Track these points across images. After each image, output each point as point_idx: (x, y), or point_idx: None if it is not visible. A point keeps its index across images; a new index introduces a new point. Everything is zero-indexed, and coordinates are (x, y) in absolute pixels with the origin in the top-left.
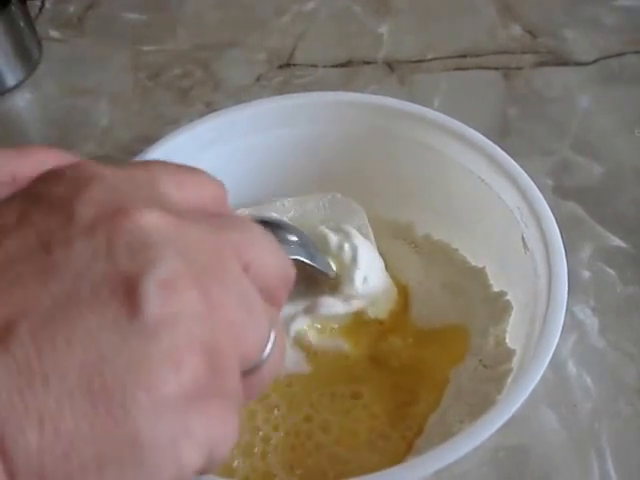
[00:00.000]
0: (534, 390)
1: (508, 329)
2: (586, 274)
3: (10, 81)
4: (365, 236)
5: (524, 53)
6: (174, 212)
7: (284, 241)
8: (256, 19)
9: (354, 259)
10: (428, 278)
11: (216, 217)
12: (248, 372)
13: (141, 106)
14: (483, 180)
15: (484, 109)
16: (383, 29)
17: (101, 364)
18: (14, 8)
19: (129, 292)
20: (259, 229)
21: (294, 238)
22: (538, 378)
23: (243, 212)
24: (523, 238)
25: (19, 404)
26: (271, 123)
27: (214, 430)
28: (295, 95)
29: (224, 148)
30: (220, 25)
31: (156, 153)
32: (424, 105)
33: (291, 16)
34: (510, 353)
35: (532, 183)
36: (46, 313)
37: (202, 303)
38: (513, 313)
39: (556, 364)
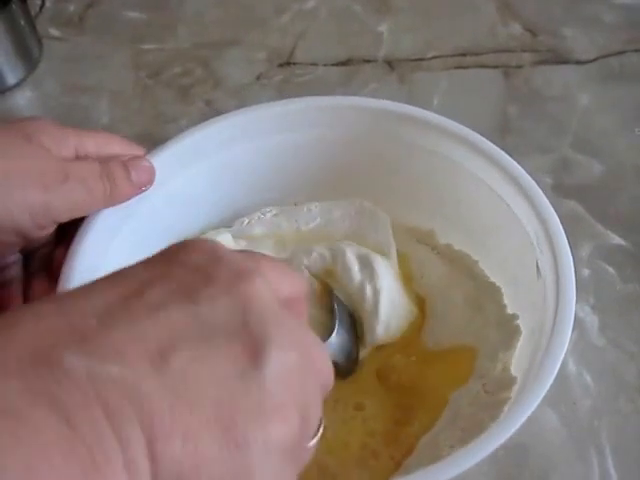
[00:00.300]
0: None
1: (515, 355)
2: (586, 272)
3: (11, 79)
4: (387, 248)
5: (524, 51)
6: (278, 297)
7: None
8: (256, 18)
9: (376, 307)
10: (449, 287)
11: (297, 315)
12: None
13: (141, 104)
14: (504, 200)
15: (484, 107)
16: (383, 28)
17: (232, 402)
18: (15, 7)
19: (256, 352)
20: (315, 336)
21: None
22: (532, 410)
23: (266, 211)
24: (537, 264)
25: (169, 421)
26: (281, 127)
27: (288, 475)
28: (308, 99)
29: (241, 147)
30: (220, 24)
31: (163, 155)
32: (424, 104)
33: (291, 15)
34: (512, 381)
35: (552, 210)
36: (191, 351)
37: (299, 372)
38: (521, 339)
39: None
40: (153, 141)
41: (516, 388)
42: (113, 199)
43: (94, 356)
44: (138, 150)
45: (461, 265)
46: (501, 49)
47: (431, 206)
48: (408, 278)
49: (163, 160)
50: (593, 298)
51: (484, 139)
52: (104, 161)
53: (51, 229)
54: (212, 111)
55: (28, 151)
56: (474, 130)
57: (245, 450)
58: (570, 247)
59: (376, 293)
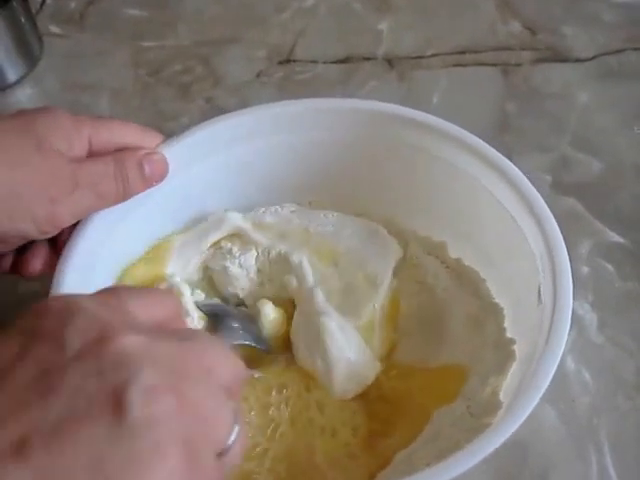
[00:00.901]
0: None
1: (506, 381)
2: (585, 270)
3: (11, 76)
4: (381, 280)
5: (523, 49)
6: (144, 331)
7: (230, 328)
8: (256, 15)
9: (328, 375)
10: (453, 303)
11: (176, 331)
12: (219, 455)
13: (141, 102)
14: (515, 220)
15: (483, 105)
16: (383, 25)
17: (103, 463)
18: (15, 4)
19: (117, 401)
20: (211, 338)
21: (237, 325)
22: (508, 435)
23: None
24: (539, 289)
25: None
26: (279, 128)
27: None
28: (308, 101)
29: (239, 150)
30: (220, 21)
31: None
32: (423, 102)
33: (291, 12)
34: (498, 406)
35: (560, 238)
36: (53, 427)
37: (177, 404)
38: (514, 365)
39: None
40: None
41: (500, 414)
42: (124, 197)
43: None
44: (155, 137)
45: (468, 281)
46: (500, 47)
47: (446, 218)
48: (393, 313)
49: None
50: (592, 296)
51: (502, 157)
52: (119, 158)
53: (55, 232)
54: (212, 109)
55: (37, 160)
56: (473, 128)
57: None
58: (568, 244)
59: (327, 364)
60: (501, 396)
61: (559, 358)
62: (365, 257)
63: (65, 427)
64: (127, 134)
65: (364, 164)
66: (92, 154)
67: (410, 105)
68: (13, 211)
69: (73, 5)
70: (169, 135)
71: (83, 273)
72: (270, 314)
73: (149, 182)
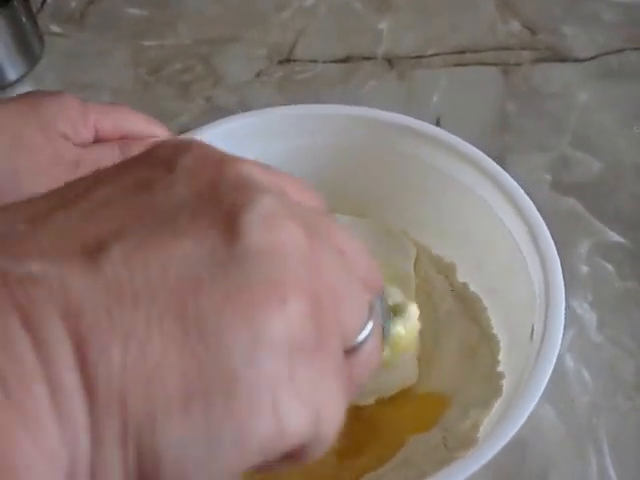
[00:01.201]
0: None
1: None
2: (584, 269)
3: (12, 75)
4: (407, 280)
5: (523, 49)
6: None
7: None
8: (256, 15)
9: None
10: (452, 327)
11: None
12: (347, 352)
13: (142, 101)
14: (521, 252)
15: (483, 105)
16: (383, 25)
17: (197, 290)
18: (16, 3)
19: (230, 221)
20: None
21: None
22: (475, 469)
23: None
24: (533, 327)
25: (105, 322)
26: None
27: (320, 392)
28: (306, 106)
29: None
30: (221, 20)
31: None
32: (423, 101)
33: (291, 12)
34: (474, 443)
35: (560, 277)
36: (141, 236)
37: (307, 244)
38: (499, 401)
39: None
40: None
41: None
42: None
43: (13, 257)
44: (161, 129)
45: (471, 308)
46: (500, 47)
47: (456, 240)
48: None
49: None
50: (591, 295)
51: (515, 184)
52: (125, 144)
53: None
54: (212, 108)
55: (41, 142)
56: (473, 128)
57: (219, 348)
58: (568, 244)
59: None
60: (480, 432)
61: (536, 400)
62: (386, 255)
63: (158, 237)
64: (134, 122)
65: (363, 171)
66: (98, 140)
67: (410, 105)
68: (16, 190)
69: (73, 4)
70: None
71: None
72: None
73: None
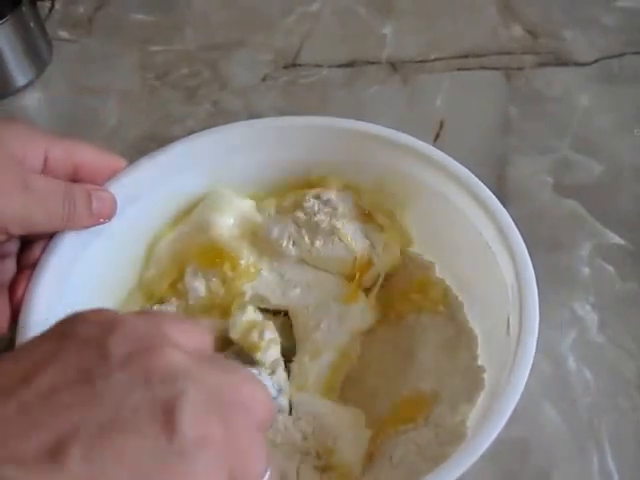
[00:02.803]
0: (533, 385)
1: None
2: (586, 271)
3: (21, 80)
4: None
5: (525, 53)
6: (187, 351)
7: None
8: (262, 20)
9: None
10: (432, 325)
11: (214, 359)
12: None
13: (149, 105)
14: (490, 248)
15: (486, 108)
16: (387, 30)
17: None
18: (25, 9)
19: (167, 416)
20: (246, 371)
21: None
22: (465, 468)
23: None
24: (508, 320)
25: None
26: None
27: None
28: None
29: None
30: (227, 25)
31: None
32: (427, 105)
33: (296, 17)
34: (464, 437)
35: (530, 268)
36: (94, 434)
37: (224, 430)
38: (482, 395)
39: (556, 359)
40: (160, 141)
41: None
42: (71, 223)
43: None
44: (115, 160)
45: (448, 304)
46: (503, 51)
47: (425, 237)
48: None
49: (140, 175)
50: (593, 296)
51: (484, 187)
52: (70, 185)
53: (2, 238)
54: (218, 112)
55: None
56: (476, 131)
57: None
58: (569, 245)
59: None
60: (468, 425)
61: (519, 395)
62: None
63: (108, 436)
64: (85, 154)
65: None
66: (48, 170)
67: (414, 108)
68: None
69: (81, 10)
70: (174, 139)
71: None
72: None
73: (97, 217)
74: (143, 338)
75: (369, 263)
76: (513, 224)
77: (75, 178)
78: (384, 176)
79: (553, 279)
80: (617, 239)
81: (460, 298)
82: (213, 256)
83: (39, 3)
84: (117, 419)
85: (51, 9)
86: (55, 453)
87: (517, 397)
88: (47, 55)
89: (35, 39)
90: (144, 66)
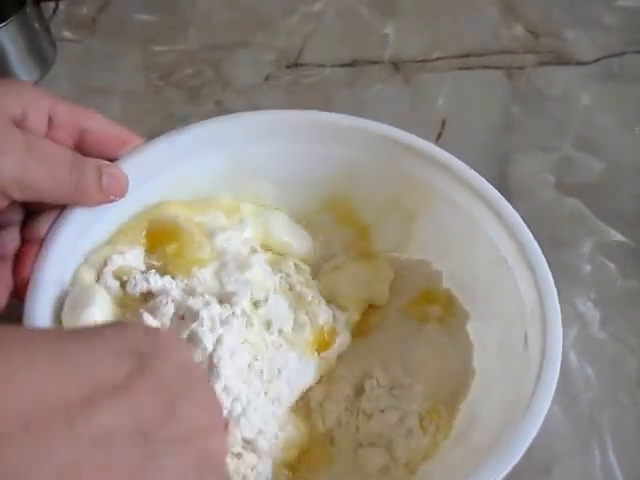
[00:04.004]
0: None
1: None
2: (587, 268)
3: (25, 80)
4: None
5: (526, 53)
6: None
7: None
8: (265, 20)
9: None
10: (431, 332)
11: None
12: None
13: (152, 104)
14: (507, 262)
15: (487, 108)
16: (389, 29)
17: None
18: (29, 10)
19: None
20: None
21: None
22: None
23: None
24: (526, 335)
25: None
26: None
27: None
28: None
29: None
30: (229, 25)
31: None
32: (428, 104)
33: (299, 17)
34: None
35: (553, 286)
36: None
37: None
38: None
39: None
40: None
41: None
42: (79, 195)
43: None
44: (128, 134)
45: (453, 314)
46: (504, 50)
47: (444, 251)
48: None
49: (145, 159)
50: (594, 293)
51: (507, 204)
52: (79, 156)
53: (2, 203)
54: (221, 111)
55: None
56: (478, 130)
57: None
58: (571, 243)
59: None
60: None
61: (547, 408)
62: (366, 281)
63: None
64: (94, 121)
65: (352, 181)
66: (52, 130)
67: (416, 107)
68: None
69: (85, 11)
70: None
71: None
72: None
73: (106, 193)
74: (210, 412)
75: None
76: (534, 240)
77: (81, 145)
78: (398, 185)
79: (555, 276)
80: (618, 236)
81: (468, 309)
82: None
83: (43, 4)
84: None
85: (55, 10)
86: None
87: (544, 413)
88: (51, 55)
89: (39, 39)
90: (147, 66)
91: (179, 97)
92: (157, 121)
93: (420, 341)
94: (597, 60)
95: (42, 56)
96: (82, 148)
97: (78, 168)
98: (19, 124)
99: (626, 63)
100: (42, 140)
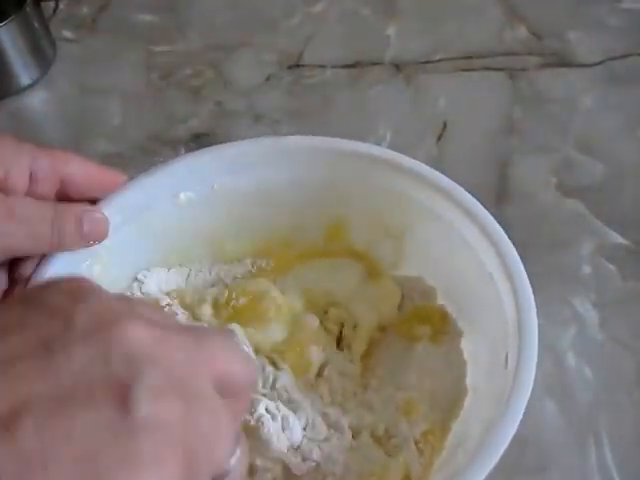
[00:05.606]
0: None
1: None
2: (587, 269)
3: (25, 80)
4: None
5: (529, 54)
6: (158, 325)
7: None
8: (266, 20)
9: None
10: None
11: (185, 331)
12: (216, 478)
13: (153, 105)
14: (493, 279)
15: (489, 109)
16: (390, 31)
17: (96, 457)
18: (29, 9)
19: (122, 395)
20: (224, 338)
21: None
22: None
23: None
24: (507, 354)
25: None
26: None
27: None
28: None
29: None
30: (230, 26)
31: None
32: (430, 106)
33: (300, 18)
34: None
35: (532, 302)
36: (48, 407)
37: (182, 412)
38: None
39: (556, 356)
40: (164, 141)
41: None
42: (59, 248)
43: None
44: (111, 174)
45: (448, 332)
46: (507, 52)
47: (434, 268)
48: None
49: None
50: (594, 295)
51: (493, 220)
52: (59, 208)
53: None
54: (222, 112)
55: None
56: (480, 131)
57: None
58: (572, 244)
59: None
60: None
61: (513, 432)
62: (373, 300)
63: (61, 409)
64: (74, 167)
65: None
66: (33, 183)
67: (417, 109)
68: None
69: (85, 10)
70: (178, 139)
71: None
72: None
73: (86, 239)
74: (110, 311)
75: None
76: (518, 258)
77: (64, 192)
78: (383, 204)
79: (555, 277)
80: (619, 238)
81: (460, 326)
82: None
83: (43, 3)
84: (72, 393)
85: (55, 9)
86: (7, 422)
87: (509, 436)
88: (51, 55)
89: (39, 39)
90: (148, 66)
91: (179, 97)
92: (157, 121)
93: (414, 361)
94: (600, 62)
95: (42, 55)
96: (64, 193)
97: (59, 222)
98: (1, 184)
99: (629, 65)
100: (22, 201)
